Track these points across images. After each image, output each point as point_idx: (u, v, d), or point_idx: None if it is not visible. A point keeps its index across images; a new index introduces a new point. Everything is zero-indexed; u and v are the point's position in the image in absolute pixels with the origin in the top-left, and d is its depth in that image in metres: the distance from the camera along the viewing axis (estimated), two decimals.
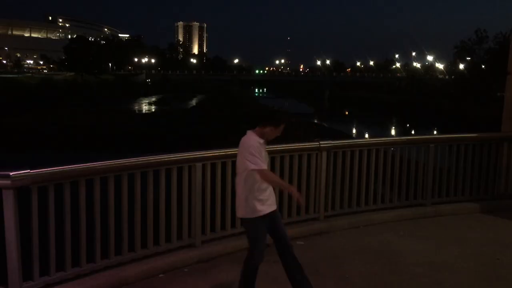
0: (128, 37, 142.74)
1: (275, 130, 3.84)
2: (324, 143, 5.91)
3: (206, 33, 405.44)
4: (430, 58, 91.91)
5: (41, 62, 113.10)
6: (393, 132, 45.52)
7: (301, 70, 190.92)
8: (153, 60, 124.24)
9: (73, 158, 4.48)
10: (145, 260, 4.69)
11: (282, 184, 4.14)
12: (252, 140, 3.77)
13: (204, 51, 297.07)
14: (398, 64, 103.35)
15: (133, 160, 4.58)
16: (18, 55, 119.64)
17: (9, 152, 26.64)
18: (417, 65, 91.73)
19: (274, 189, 3.99)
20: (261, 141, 3.80)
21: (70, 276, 4.21)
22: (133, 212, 4.59)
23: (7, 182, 3.71)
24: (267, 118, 3.87)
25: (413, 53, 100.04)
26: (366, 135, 40.73)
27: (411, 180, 6.69)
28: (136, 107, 62.91)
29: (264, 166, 3.78)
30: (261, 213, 3.83)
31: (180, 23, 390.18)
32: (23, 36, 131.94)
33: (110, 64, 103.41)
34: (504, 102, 7.93)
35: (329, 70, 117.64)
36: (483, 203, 7.07)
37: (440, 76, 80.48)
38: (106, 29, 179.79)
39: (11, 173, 3.72)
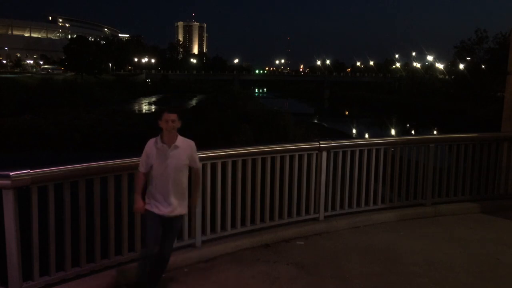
0: (128, 37, 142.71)
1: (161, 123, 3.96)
2: (324, 143, 5.90)
3: (206, 33, 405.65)
4: (430, 58, 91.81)
5: (41, 62, 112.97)
6: (393, 132, 45.50)
7: (301, 70, 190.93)
8: (153, 60, 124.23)
9: (73, 158, 4.49)
10: None
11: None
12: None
13: (204, 51, 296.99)
14: (398, 64, 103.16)
15: (133, 160, 4.57)
16: (18, 55, 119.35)
17: (9, 152, 26.64)
18: (417, 65, 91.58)
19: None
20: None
21: (70, 276, 4.21)
22: (133, 212, 4.58)
23: (7, 182, 3.71)
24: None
25: (413, 53, 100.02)
26: (366, 135, 40.74)
27: (411, 180, 6.69)
28: (136, 107, 62.91)
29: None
30: None
31: (180, 23, 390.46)
32: (23, 36, 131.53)
33: (110, 64, 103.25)
34: (504, 102, 7.93)
35: (329, 70, 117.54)
36: (483, 203, 7.07)
37: (440, 76, 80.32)
38: (106, 29, 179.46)
39: (11, 173, 3.72)
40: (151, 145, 4.00)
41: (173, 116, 3.91)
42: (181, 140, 4.01)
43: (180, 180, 4.01)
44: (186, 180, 4.10)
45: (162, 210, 3.97)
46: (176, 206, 4.01)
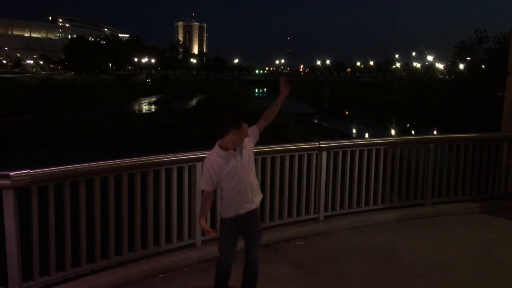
0: (128, 37, 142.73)
1: (238, 133, 3.59)
2: (324, 143, 5.90)
3: (206, 33, 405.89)
4: (430, 58, 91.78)
5: (41, 62, 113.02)
6: (393, 132, 45.52)
7: (301, 70, 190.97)
8: (153, 60, 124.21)
9: (73, 158, 4.49)
10: (145, 260, 4.68)
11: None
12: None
13: (204, 51, 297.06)
14: (398, 64, 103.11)
15: (133, 160, 4.58)
16: (18, 55, 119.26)
17: (9, 152, 26.65)
18: (417, 65, 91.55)
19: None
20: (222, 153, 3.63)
21: (70, 276, 4.21)
22: (133, 212, 4.59)
23: (7, 182, 3.71)
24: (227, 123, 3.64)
25: (413, 53, 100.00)
26: (366, 135, 40.76)
27: (411, 180, 6.69)
28: (136, 107, 62.92)
29: (203, 187, 3.73)
30: None
31: (180, 23, 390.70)
32: (23, 36, 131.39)
33: (110, 64, 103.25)
34: (504, 102, 7.93)
35: (329, 70, 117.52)
36: (483, 203, 7.07)
37: (440, 76, 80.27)
38: (106, 29, 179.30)
39: (11, 173, 3.72)
40: (213, 159, 3.64)
41: (245, 126, 3.65)
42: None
43: (254, 176, 3.82)
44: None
45: (246, 207, 3.73)
46: (257, 202, 3.80)
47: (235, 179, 3.66)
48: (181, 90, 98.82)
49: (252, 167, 3.81)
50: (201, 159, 4.94)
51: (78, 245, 4.25)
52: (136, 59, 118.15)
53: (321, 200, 5.98)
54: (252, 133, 3.78)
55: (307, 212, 5.94)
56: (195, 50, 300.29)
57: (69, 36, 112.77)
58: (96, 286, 4.27)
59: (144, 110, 60.01)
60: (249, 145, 3.76)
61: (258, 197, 3.85)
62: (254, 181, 3.83)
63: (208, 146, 5.04)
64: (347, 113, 70.56)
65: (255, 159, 5.31)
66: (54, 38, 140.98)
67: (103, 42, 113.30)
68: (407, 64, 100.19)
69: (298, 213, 5.88)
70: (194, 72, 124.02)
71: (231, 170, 3.63)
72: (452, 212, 6.85)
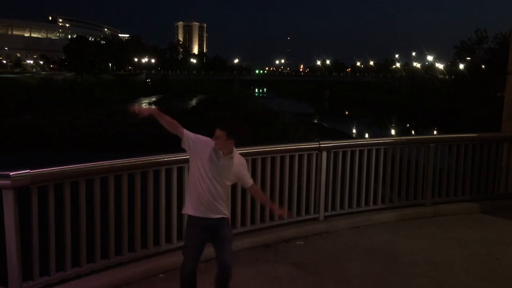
0: (128, 37, 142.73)
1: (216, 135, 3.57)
2: (324, 143, 5.90)
3: (206, 33, 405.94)
4: (430, 58, 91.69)
5: (41, 62, 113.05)
6: (393, 132, 45.51)
7: (301, 70, 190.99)
8: (153, 60, 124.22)
9: (73, 158, 4.48)
10: (145, 260, 4.68)
11: None
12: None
13: (204, 51, 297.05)
14: (398, 64, 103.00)
15: (133, 160, 4.58)
16: (18, 55, 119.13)
17: (9, 152, 26.65)
18: (417, 65, 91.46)
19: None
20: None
21: (70, 276, 4.21)
22: (133, 212, 4.59)
23: (7, 182, 3.71)
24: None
25: (413, 53, 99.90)
26: (366, 135, 40.77)
27: (411, 180, 6.69)
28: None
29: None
30: None
31: (180, 23, 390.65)
32: (23, 36, 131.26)
33: (110, 64, 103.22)
34: (504, 102, 7.93)
35: (329, 70, 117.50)
36: (483, 203, 7.07)
37: (440, 76, 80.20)
38: (106, 29, 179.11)
39: (11, 173, 3.72)
40: (210, 141, 3.61)
41: (218, 133, 3.55)
42: (237, 155, 3.72)
43: (223, 192, 3.68)
44: (227, 196, 3.78)
45: (212, 213, 3.63)
46: (224, 212, 3.70)
47: (205, 172, 3.59)
48: (181, 90, 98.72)
49: (227, 185, 3.71)
50: None
51: (78, 245, 4.25)
52: (136, 59, 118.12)
53: (321, 200, 5.98)
54: (243, 173, 3.82)
55: (307, 212, 5.94)
56: (195, 50, 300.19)
57: (69, 36, 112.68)
58: (96, 286, 4.26)
59: None
60: (236, 169, 3.71)
61: (225, 210, 3.72)
62: (222, 196, 3.67)
63: None
64: (347, 113, 70.54)
65: (255, 159, 5.35)
66: (54, 38, 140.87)
67: (103, 42, 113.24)
68: (407, 64, 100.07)
69: (298, 213, 5.88)
70: (194, 72, 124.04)
71: (208, 160, 3.59)
72: (452, 212, 6.85)
